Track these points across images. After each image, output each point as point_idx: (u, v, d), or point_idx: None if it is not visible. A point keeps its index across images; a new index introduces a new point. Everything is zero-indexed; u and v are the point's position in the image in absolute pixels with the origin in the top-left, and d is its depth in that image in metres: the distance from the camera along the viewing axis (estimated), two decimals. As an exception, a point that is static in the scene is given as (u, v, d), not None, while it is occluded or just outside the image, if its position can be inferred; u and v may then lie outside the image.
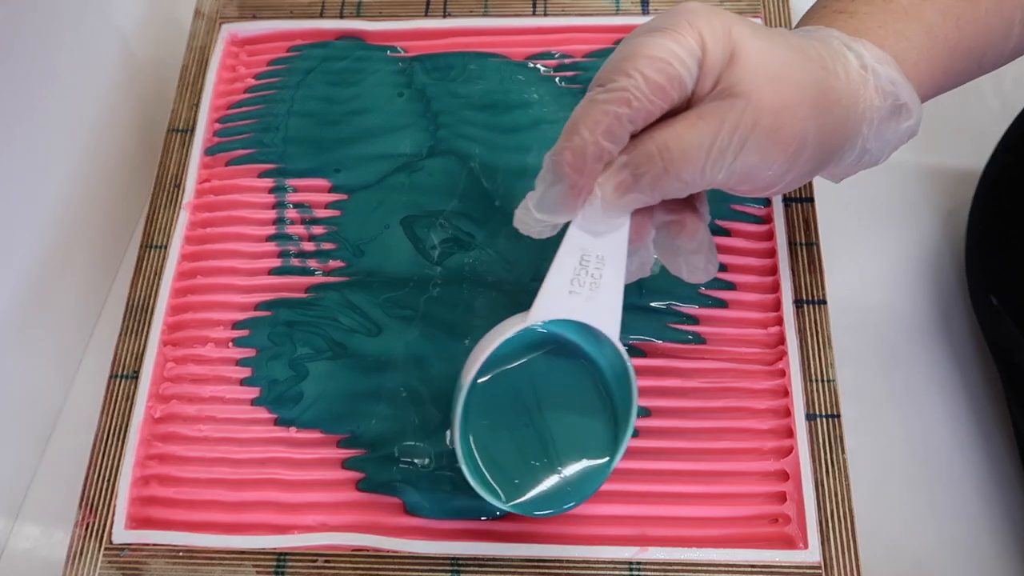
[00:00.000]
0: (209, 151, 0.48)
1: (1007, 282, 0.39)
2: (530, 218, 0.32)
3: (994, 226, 0.40)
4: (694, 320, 0.42)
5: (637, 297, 0.43)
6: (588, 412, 0.35)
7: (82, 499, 0.40)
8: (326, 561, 0.39)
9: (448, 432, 0.40)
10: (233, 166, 0.48)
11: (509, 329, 0.33)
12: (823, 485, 0.39)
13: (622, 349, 0.33)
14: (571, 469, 0.35)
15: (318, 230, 0.46)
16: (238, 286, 0.45)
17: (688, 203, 0.34)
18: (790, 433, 0.40)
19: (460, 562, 0.38)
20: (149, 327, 0.44)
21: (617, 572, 0.38)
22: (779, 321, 0.42)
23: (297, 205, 0.46)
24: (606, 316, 0.32)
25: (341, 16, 0.51)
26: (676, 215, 0.33)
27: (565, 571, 0.38)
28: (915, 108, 0.33)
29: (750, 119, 0.29)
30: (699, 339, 0.42)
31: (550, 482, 0.35)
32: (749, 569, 0.37)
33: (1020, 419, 0.41)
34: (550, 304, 0.32)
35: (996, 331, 0.38)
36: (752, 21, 0.31)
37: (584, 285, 0.32)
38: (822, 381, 0.41)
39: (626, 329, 0.42)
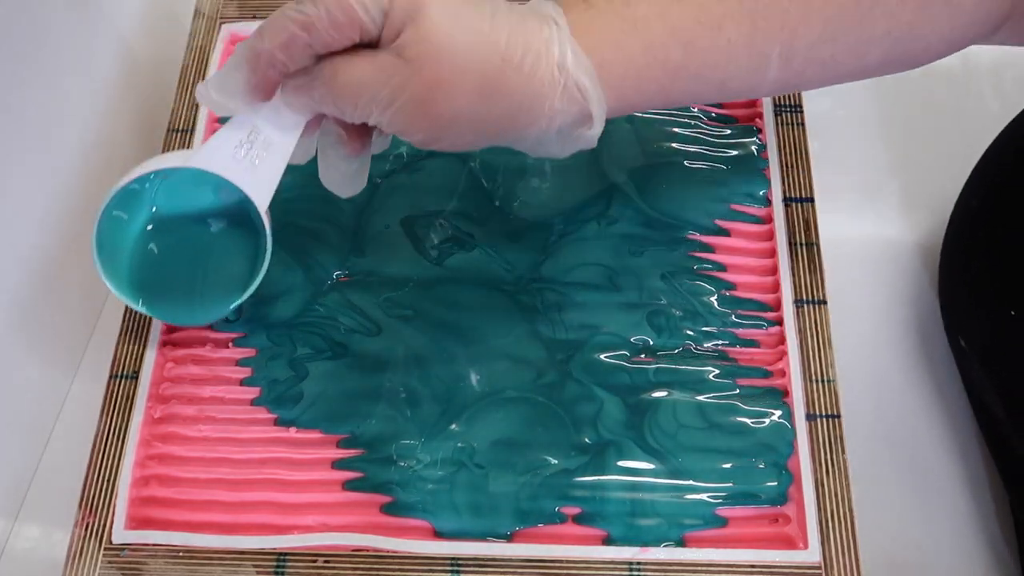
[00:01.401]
0: (209, 151, 0.48)
1: (973, 325, 0.39)
2: (207, 94, 0.34)
3: (960, 268, 0.40)
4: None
5: (637, 297, 0.43)
6: (234, 256, 0.41)
7: (82, 499, 0.40)
8: (326, 561, 0.39)
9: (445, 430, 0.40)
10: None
11: (170, 161, 0.37)
12: (823, 485, 0.39)
13: (266, 220, 0.37)
14: (209, 296, 0.41)
15: (318, 230, 0.46)
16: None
17: (362, 127, 0.35)
18: (790, 433, 0.40)
19: (460, 562, 0.38)
20: (149, 327, 0.44)
21: (617, 572, 0.38)
22: (779, 321, 0.42)
23: (297, 205, 0.46)
24: (259, 190, 0.36)
25: (341, 16, 0.51)
26: (344, 130, 0.35)
27: (565, 571, 0.38)
28: (598, 120, 0.33)
29: (404, 84, 0.31)
30: (699, 339, 0.42)
31: (188, 302, 0.41)
32: (749, 569, 0.37)
33: (998, 458, 0.41)
34: (213, 157, 0.35)
35: (965, 373, 0.38)
36: None
37: (245, 159, 0.35)
38: (822, 381, 0.41)
39: (626, 329, 0.42)
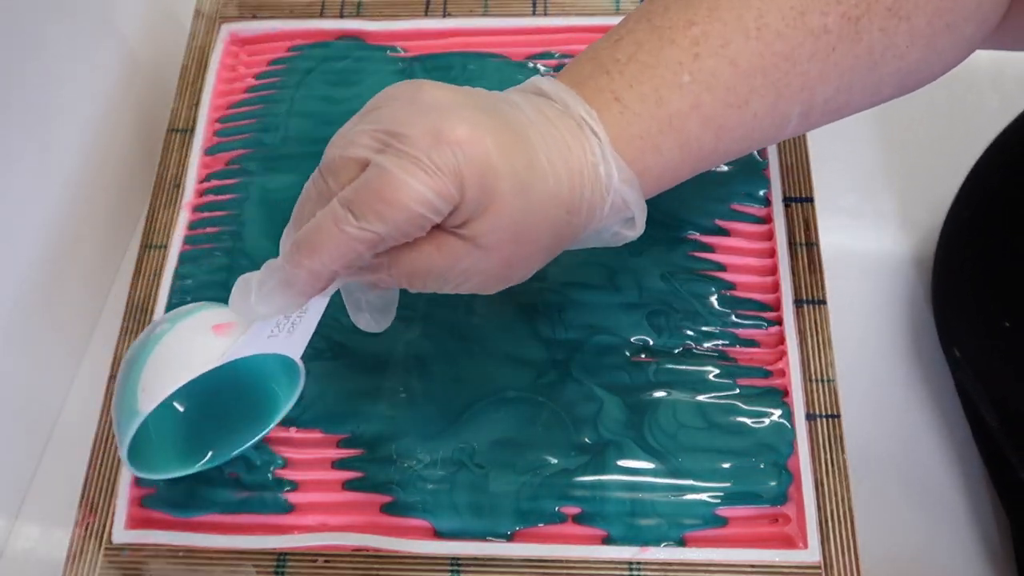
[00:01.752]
0: (209, 151, 0.48)
1: (967, 336, 0.39)
2: (252, 309, 0.31)
3: (953, 279, 0.40)
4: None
5: (637, 297, 0.43)
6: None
7: (82, 499, 0.40)
8: (326, 561, 0.39)
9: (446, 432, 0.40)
10: (233, 166, 0.48)
11: (199, 360, 0.32)
12: (823, 485, 0.39)
13: (301, 365, 0.35)
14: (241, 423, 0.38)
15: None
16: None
17: None
18: (790, 433, 0.40)
19: (460, 562, 0.38)
20: (149, 327, 0.44)
21: (617, 572, 0.38)
22: (779, 321, 0.42)
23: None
24: (295, 346, 0.34)
25: (341, 16, 0.51)
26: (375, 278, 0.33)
27: (565, 571, 0.38)
28: (640, 224, 0.33)
29: (477, 266, 0.30)
30: (699, 339, 0.42)
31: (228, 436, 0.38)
32: (749, 569, 0.37)
33: (992, 467, 0.41)
34: (251, 343, 0.32)
35: (959, 381, 0.38)
36: (513, 147, 0.29)
37: (283, 330, 0.33)
38: (822, 381, 0.41)
39: (626, 329, 0.42)
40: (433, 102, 0.29)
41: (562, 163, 0.30)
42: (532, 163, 0.30)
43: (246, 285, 0.31)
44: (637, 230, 0.33)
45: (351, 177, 0.29)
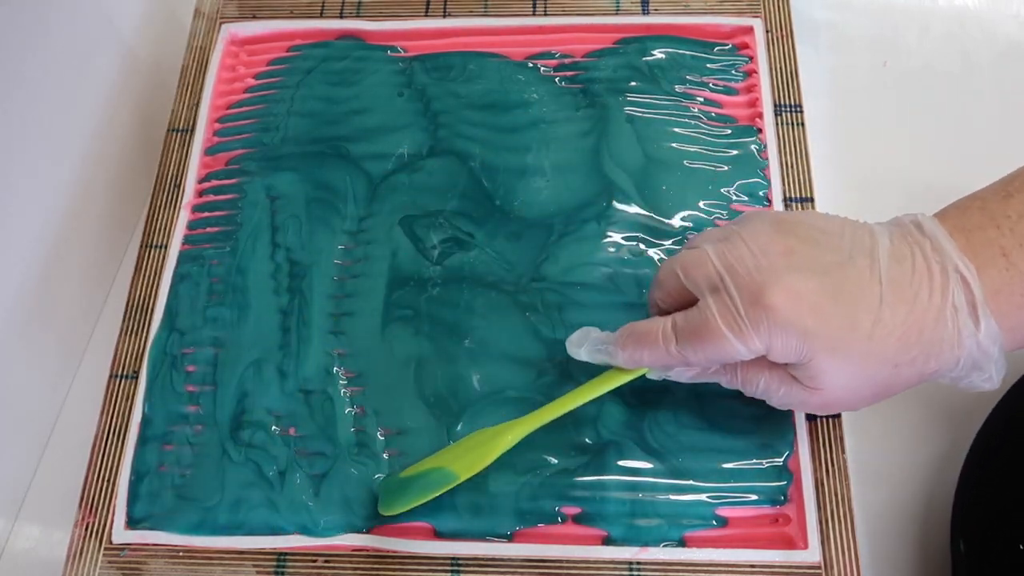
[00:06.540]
0: (209, 151, 0.48)
1: (978, 532, 0.38)
2: (578, 351, 0.38)
3: (981, 484, 0.39)
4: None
5: (637, 297, 0.43)
6: None
7: (82, 499, 0.40)
8: (326, 561, 0.39)
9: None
10: (233, 166, 0.48)
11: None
12: (823, 485, 0.39)
13: None
14: None
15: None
16: (238, 286, 0.45)
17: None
18: (790, 433, 0.40)
19: (460, 562, 0.38)
20: (149, 327, 0.44)
21: (617, 572, 0.38)
22: (779, 321, 0.42)
23: (297, 205, 0.46)
24: None
25: (341, 16, 0.51)
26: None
27: (565, 571, 0.38)
28: (997, 380, 0.33)
29: (803, 398, 0.34)
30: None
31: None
32: (749, 569, 0.37)
33: None
34: None
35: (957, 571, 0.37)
36: (833, 312, 0.32)
37: None
38: (822, 381, 0.41)
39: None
40: (769, 257, 0.33)
41: (899, 319, 0.32)
42: (854, 325, 0.32)
43: (584, 335, 0.38)
44: (993, 384, 0.34)
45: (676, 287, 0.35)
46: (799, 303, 0.32)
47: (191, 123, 0.49)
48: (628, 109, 0.47)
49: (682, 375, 0.36)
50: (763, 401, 0.40)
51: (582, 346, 0.37)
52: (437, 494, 0.37)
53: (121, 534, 0.39)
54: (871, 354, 0.32)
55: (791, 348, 0.32)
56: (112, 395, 0.42)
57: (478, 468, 0.37)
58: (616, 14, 0.50)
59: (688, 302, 0.35)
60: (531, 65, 0.49)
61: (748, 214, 0.36)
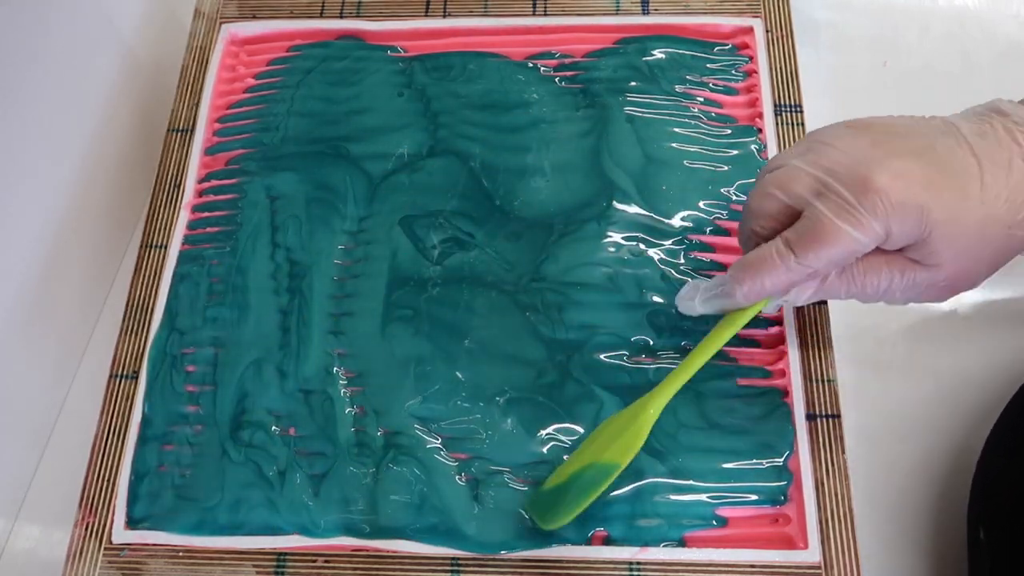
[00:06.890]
0: (209, 151, 0.48)
1: (999, 520, 0.37)
2: (691, 304, 0.39)
3: (1002, 468, 0.39)
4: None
5: (637, 297, 0.43)
6: None
7: (82, 499, 0.40)
8: (326, 561, 0.39)
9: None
10: (233, 166, 0.48)
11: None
12: (823, 485, 0.39)
13: None
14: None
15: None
16: (238, 286, 0.45)
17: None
18: (790, 433, 0.40)
19: (460, 562, 0.38)
20: (149, 327, 0.44)
21: (617, 572, 0.38)
22: (779, 321, 0.42)
23: (297, 205, 0.46)
24: None
25: (341, 16, 0.51)
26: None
27: (565, 571, 0.38)
28: None
29: (928, 280, 0.35)
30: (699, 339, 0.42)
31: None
32: (749, 569, 0.37)
33: None
34: None
35: (975, 562, 0.37)
36: (941, 183, 0.33)
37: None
38: (822, 381, 0.41)
39: (626, 329, 0.42)
40: (861, 151, 0.33)
41: (1002, 183, 0.33)
42: (964, 193, 0.33)
43: (695, 288, 0.38)
44: None
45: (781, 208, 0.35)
46: (909, 181, 0.32)
47: (191, 123, 0.49)
48: (628, 109, 0.47)
49: (800, 296, 0.36)
50: (763, 401, 0.40)
51: (695, 298, 0.38)
52: (602, 490, 0.36)
53: (121, 534, 0.39)
54: (986, 218, 0.33)
55: (909, 226, 0.33)
56: (112, 395, 0.42)
57: (636, 450, 0.37)
58: (616, 14, 0.50)
59: (789, 220, 0.35)
60: (531, 65, 0.49)
61: (816, 129, 0.36)
